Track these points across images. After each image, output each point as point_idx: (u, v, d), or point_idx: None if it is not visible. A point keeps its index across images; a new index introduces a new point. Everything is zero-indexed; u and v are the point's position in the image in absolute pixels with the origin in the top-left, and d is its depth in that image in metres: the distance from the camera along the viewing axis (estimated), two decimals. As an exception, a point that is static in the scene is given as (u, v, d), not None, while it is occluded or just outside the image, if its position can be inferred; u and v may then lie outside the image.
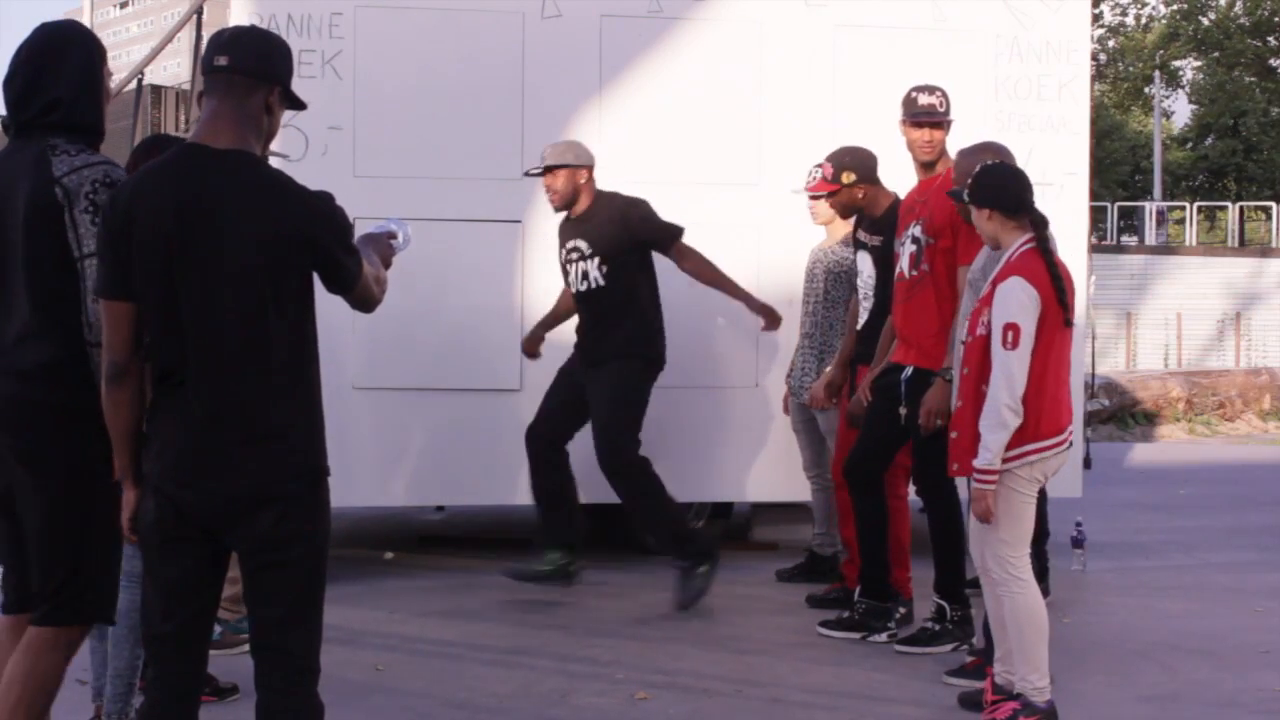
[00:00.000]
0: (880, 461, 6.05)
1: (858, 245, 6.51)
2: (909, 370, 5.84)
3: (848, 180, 6.41)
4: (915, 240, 5.87)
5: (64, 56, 3.73)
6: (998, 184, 5.02)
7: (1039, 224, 4.94)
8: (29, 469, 3.60)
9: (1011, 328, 4.75)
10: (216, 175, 3.15)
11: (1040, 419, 4.79)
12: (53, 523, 3.60)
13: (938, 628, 5.91)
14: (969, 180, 5.11)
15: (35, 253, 3.60)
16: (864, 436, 6.12)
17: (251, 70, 3.23)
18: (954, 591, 5.91)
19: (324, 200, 3.23)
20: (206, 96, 3.26)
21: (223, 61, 3.22)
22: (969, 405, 4.90)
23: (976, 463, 4.77)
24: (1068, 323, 4.86)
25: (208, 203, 3.13)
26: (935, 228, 5.81)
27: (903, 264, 5.94)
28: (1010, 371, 4.74)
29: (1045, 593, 6.63)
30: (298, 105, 3.33)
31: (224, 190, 3.14)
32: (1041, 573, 6.70)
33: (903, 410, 5.81)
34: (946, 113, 6.03)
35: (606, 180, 6.84)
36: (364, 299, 3.34)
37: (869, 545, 6.12)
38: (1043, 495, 6.19)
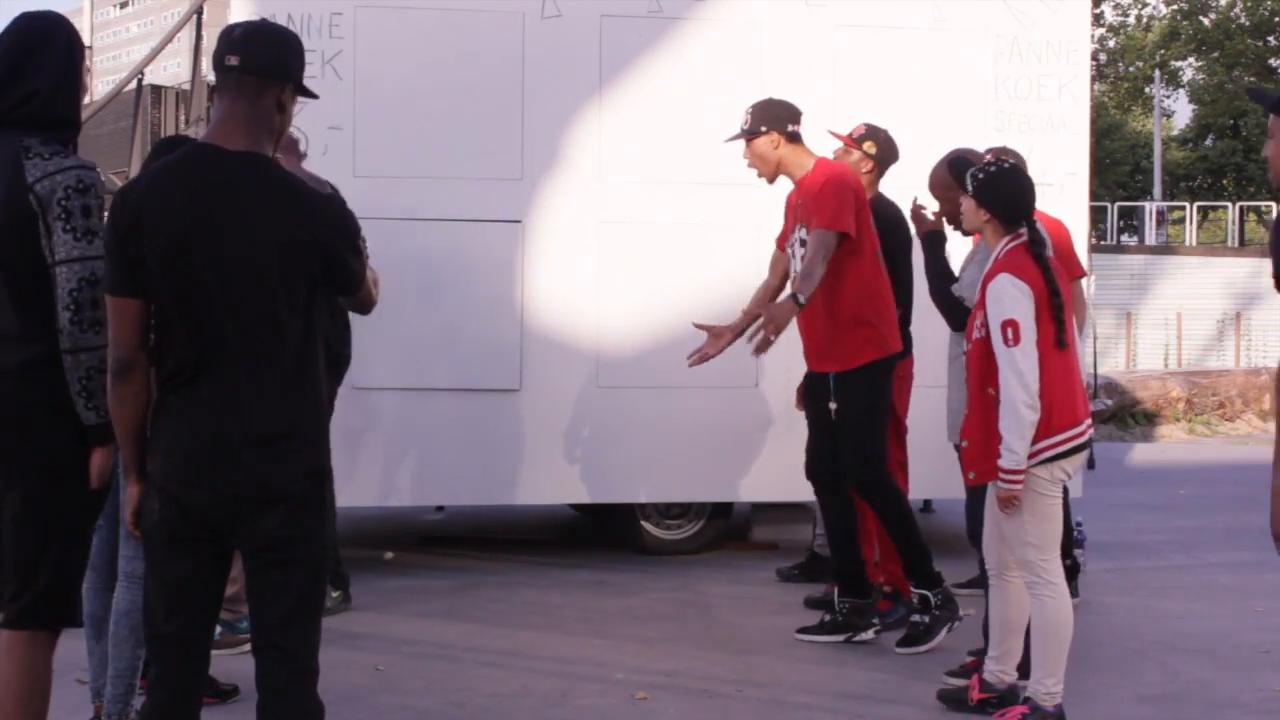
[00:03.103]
0: (834, 459, 6.02)
1: None
2: (833, 374, 5.90)
3: (868, 149, 6.36)
4: (803, 243, 5.81)
5: (44, 48, 3.67)
6: (1009, 194, 4.87)
7: (1036, 242, 4.81)
8: (3, 466, 3.57)
9: (1010, 324, 4.66)
10: (229, 177, 3.15)
11: (1052, 413, 4.70)
12: (24, 522, 3.57)
13: (928, 619, 5.89)
14: (977, 170, 4.95)
15: (10, 259, 3.57)
16: (811, 438, 6.13)
17: (263, 71, 3.21)
18: (927, 575, 5.89)
19: (335, 204, 3.24)
20: (218, 96, 3.24)
21: (234, 62, 3.20)
22: (976, 411, 4.85)
23: (1002, 463, 4.67)
24: (1061, 344, 4.72)
25: (220, 204, 3.12)
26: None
27: (795, 266, 5.90)
28: (1019, 368, 4.64)
29: (1074, 594, 6.64)
30: (308, 94, 3.33)
31: (236, 192, 3.14)
32: (1071, 573, 6.70)
33: (832, 406, 5.88)
34: (748, 128, 5.97)
35: (606, 180, 6.83)
36: (366, 302, 3.38)
37: (841, 543, 6.07)
38: (1066, 499, 6.17)
